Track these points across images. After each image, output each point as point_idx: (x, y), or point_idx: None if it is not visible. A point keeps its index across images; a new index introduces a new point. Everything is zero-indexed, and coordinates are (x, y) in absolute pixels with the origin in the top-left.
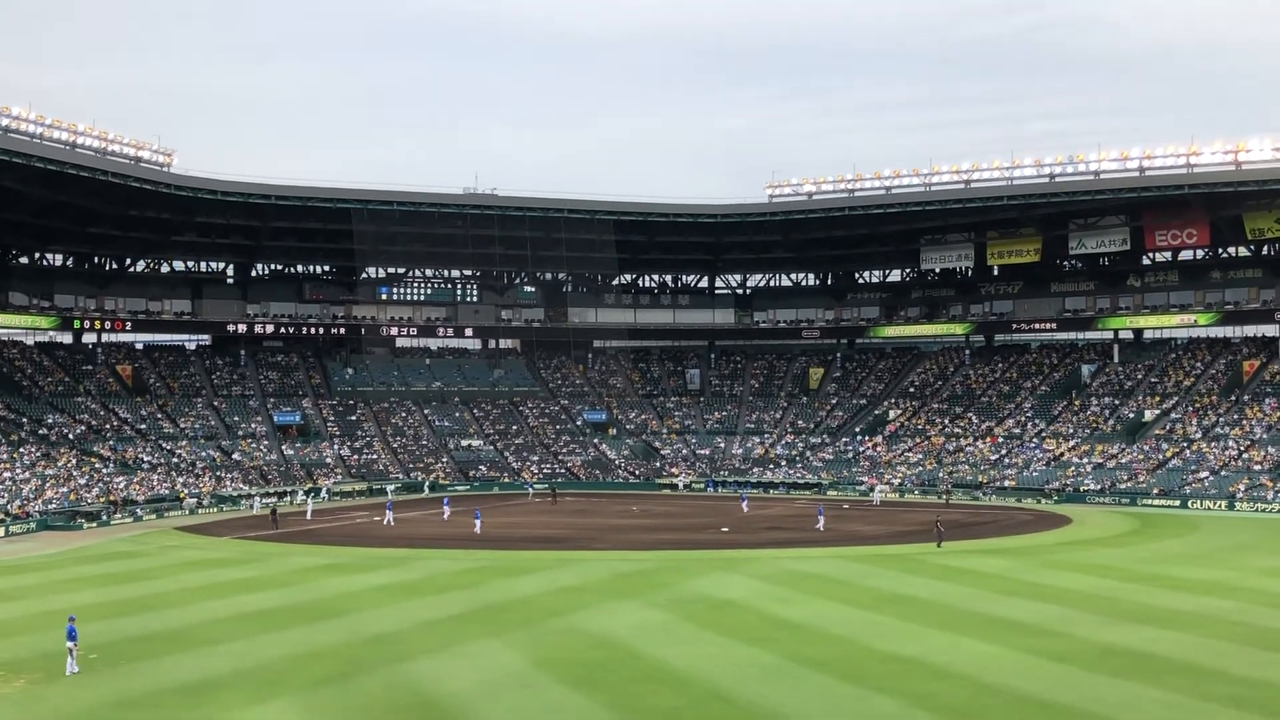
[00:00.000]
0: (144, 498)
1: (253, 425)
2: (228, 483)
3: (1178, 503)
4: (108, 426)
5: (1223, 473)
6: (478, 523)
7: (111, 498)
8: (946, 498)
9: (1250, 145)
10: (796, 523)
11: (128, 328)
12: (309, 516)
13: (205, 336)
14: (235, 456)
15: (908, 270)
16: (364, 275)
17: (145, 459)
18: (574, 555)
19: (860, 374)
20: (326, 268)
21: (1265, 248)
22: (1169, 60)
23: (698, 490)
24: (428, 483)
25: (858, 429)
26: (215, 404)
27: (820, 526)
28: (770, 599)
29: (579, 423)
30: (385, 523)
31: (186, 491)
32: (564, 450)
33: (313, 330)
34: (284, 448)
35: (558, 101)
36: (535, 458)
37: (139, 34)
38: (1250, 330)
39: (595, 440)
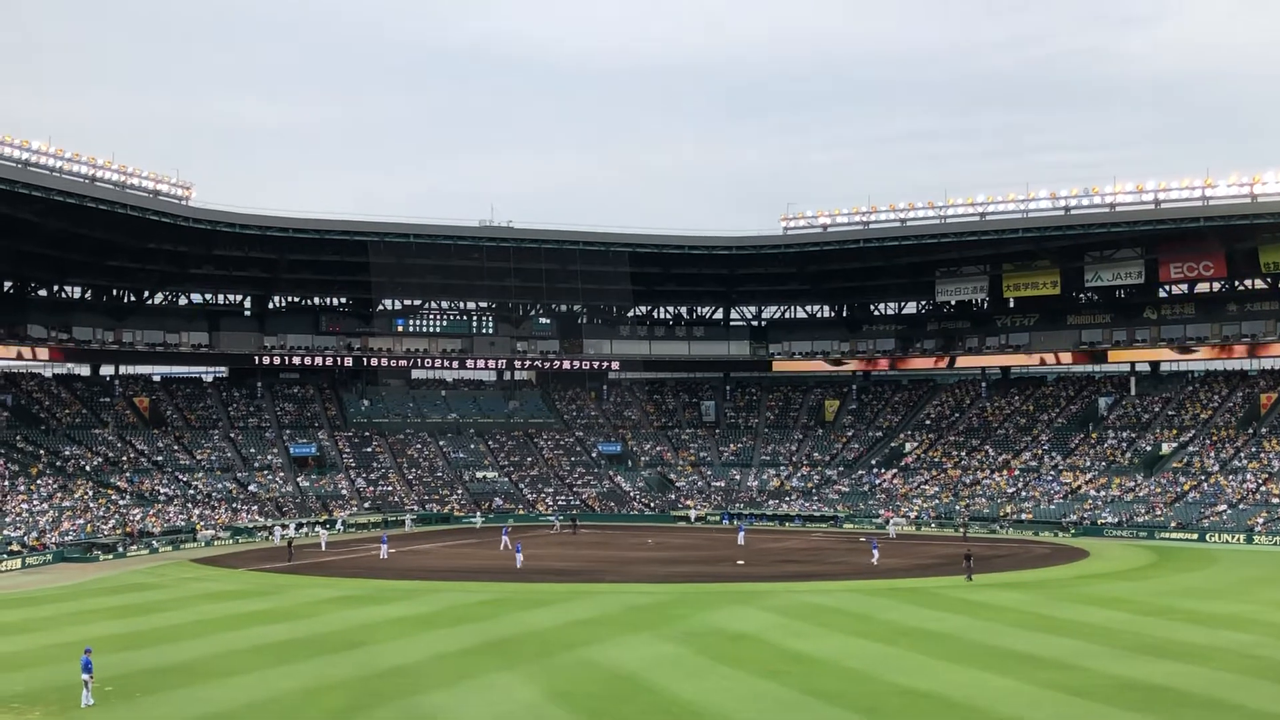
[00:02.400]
0: (160, 529)
1: (269, 457)
2: (243, 515)
3: (1195, 536)
4: (124, 458)
5: (1241, 506)
6: (519, 555)
7: (128, 530)
8: (964, 531)
9: (1266, 178)
10: (811, 556)
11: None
12: (323, 548)
13: (222, 368)
14: (251, 488)
15: (923, 302)
16: (380, 307)
17: (162, 491)
18: (588, 588)
19: (876, 406)
20: (343, 300)
21: None
22: (1183, 92)
23: (713, 523)
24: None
25: (874, 461)
26: (231, 436)
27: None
28: (785, 632)
29: (594, 454)
30: (380, 556)
31: (202, 523)
32: (579, 482)
33: (329, 362)
34: (300, 479)
35: (573, 134)
36: (550, 489)
37: (160, 68)
38: (1268, 363)
39: (610, 472)
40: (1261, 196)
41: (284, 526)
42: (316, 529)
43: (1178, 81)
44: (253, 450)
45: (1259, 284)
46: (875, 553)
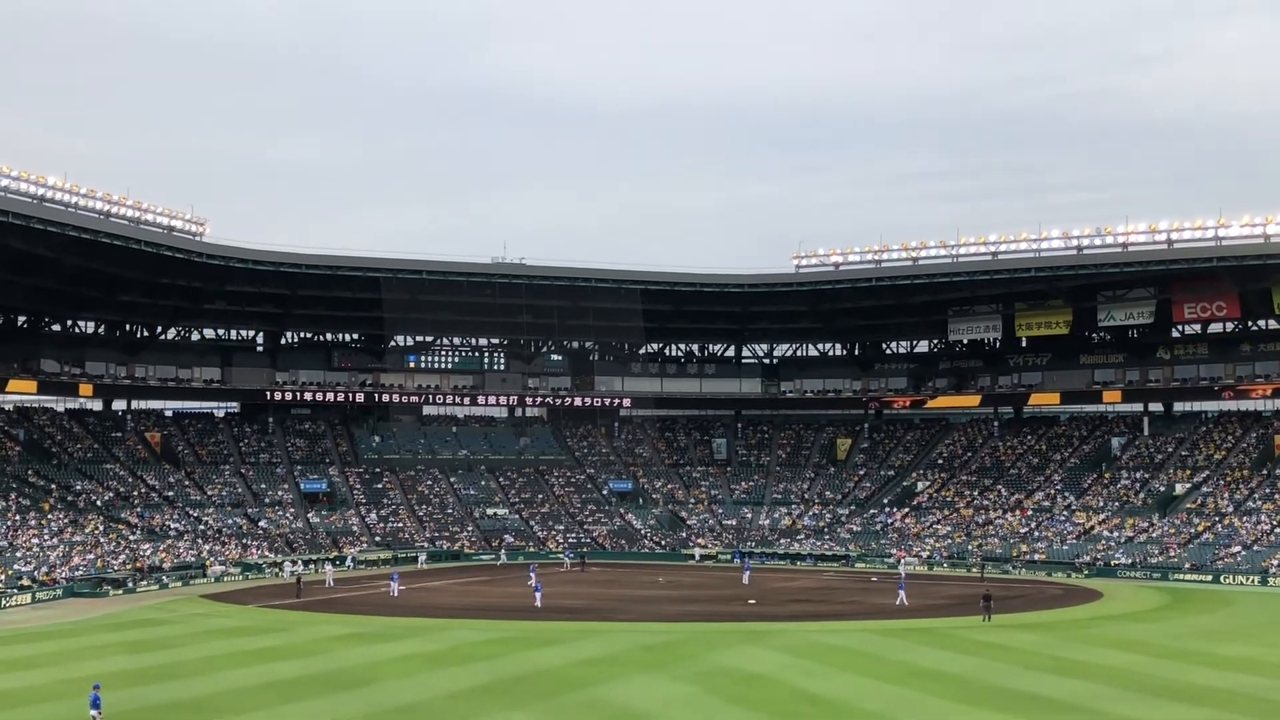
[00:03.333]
0: (170, 565)
1: (279, 492)
2: (254, 550)
3: (1210, 577)
4: (135, 493)
5: (1255, 547)
6: (538, 594)
7: (138, 565)
8: (982, 571)
9: (1278, 218)
10: (823, 595)
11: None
12: (330, 584)
13: (234, 404)
14: (262, 524)
15: (935, 341)
16: (392, 343)
17: (172, 526)
18: (599, 626)
19: (888, 445)
20: (355, 336)
21: None
22: (1195, 132)
23: (724, 561)
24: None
25: (886, 500)
26: (242, 471)
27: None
28: (798, 673)
29: (605, 492)
30: (390, 593)
31: (212, 559)
32: (589, 519)
33: (340, 397)
34: (310, 515)
35: (585, 171)
36: (561, 526)
37: (175, 104)
38: None
39: (621, 509)
40: (1274, 237)
41: (293, 563)
42: (325, 565)
43: (1190, 121)
44: (263, 486)
45: (1272, 324)
46: (901, 593)
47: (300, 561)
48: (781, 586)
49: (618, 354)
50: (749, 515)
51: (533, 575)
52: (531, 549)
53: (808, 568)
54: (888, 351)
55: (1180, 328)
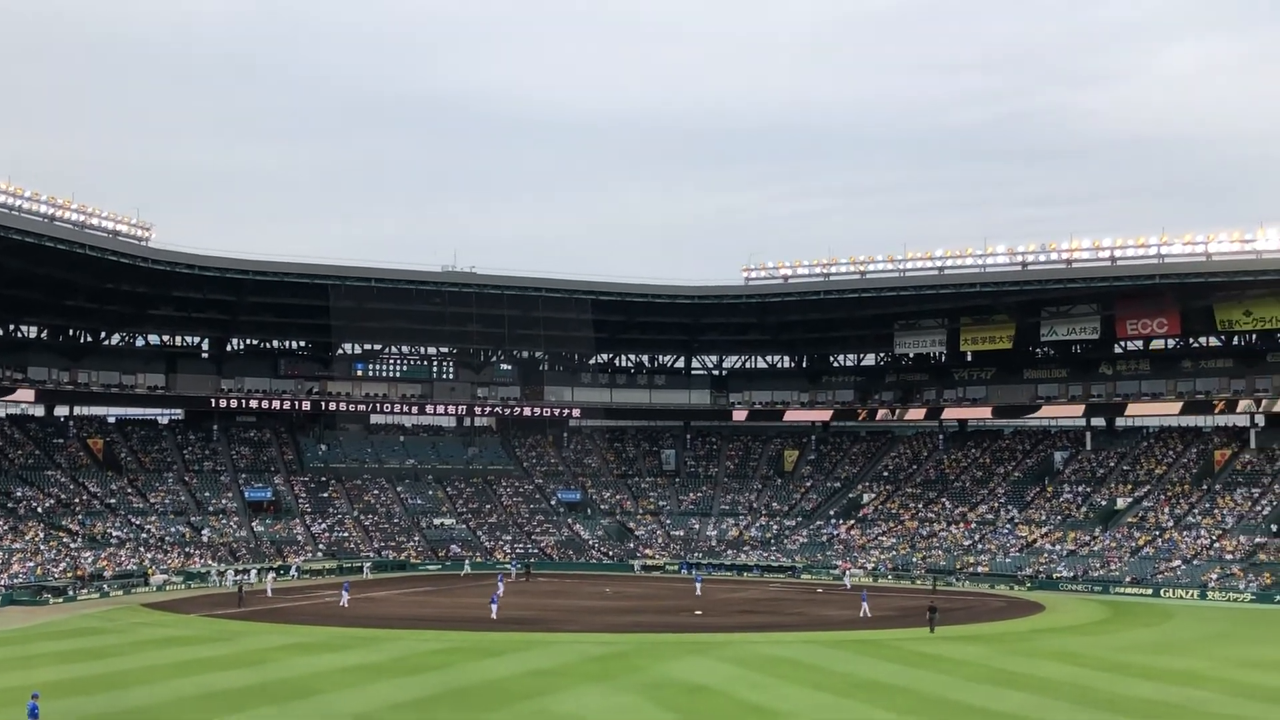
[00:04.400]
0: (112, 573)
1: (223, 501)
2: (197, 559)
3: (1150, 591)
4: (77, 501)
5: (1195, 561)
6: (494, 606)
7: (79, 573)
8: (934, 584)
9: (1220, 237)
10: (770, 606)
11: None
12: (269, 594)
13: (178, 411)
14: (205, 533)
15: (882, 354)
16: (340, 351)
17: (114, 534)
18: (545, 637)
19: (835, 457)
20: (302, 343)
21: (1235, 339)
22: (1141, 151)
23: (671, 572)
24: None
25: (832, 512)
26: (186, 479)
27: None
28: (743, 684)
29: (553, 502)
30: (341, 603)
31: (155, 568)
32: (537, 530)
33: (286, 406)
34: (254, 524)
35: (536, 181)
36: (508, 537)
37: (123, 109)
38: (1221, 420)
39: (569, 520)
40: (1216, 255)
41: (239, 572)
42: (267, 574)
43: (1136, 141)
44: (207, 494)
45: (1213, 341)
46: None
47: (256, 570)
48: (728, 598)
49: (568, 364)
50: (696, 526)
51: (501, 585)
52: (479, 559)
53: (754, 579)
54: (835, 364)
55: (1123, 344)
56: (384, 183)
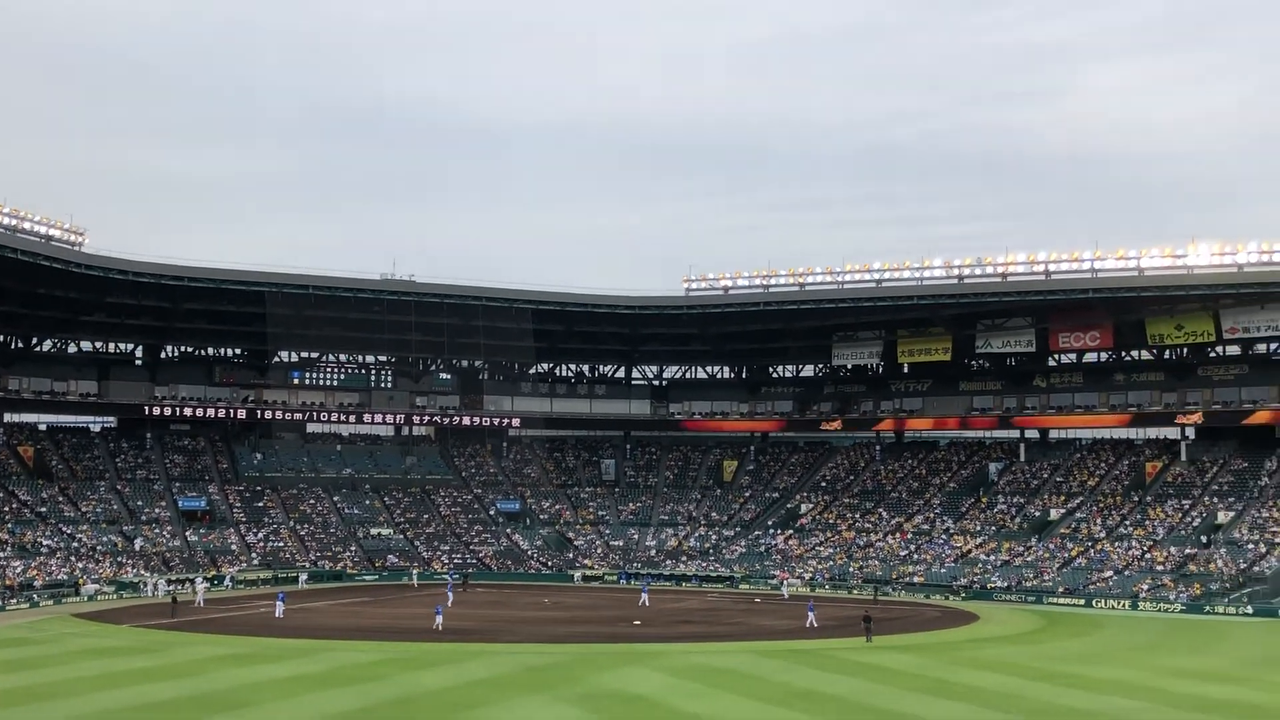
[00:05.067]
0: (42, 583)
1: (157, 510)
2: (129, 569)
3: (1082, 601)
4: (6, 509)
5: (1126, 572)
6: (439, 617)
7: (8, 582)
8: (875, 593)
9: (1152, 252)
10: (708, 616)
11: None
12: (199, 604)
13: (111, 419)
14: (137, 542)
15: (821, 366)
16: (276, 359)
17: (44, 543)
18: (483, 648)
19: (773, 467)
20: (238, 351)
21: (1167, 352)
22: (1076, 167)
23: (610, 582)
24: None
25: (770, 522)
26: (119, 488)
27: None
28: (681, 694)
29: (492, 512)
30: (276, 614)
31: (86, 577)
32: (476, 540)
33: (222, 414)
34: (188, 534)
35: (477, 191)
36: (446, 547)
37: (59, 113)
38: (1152, 432)
39: (508, 530)
40: (1148, 270)
41: (168, 581)
42: (198, 584)
43: (1070, 158)
44: (140, 503)
45: (1145, 355)
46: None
47: (163, 580)
48: (666, 608)
49: (507, 373)
50: (636, 536)
51: (450, 594)
52: (416, 569)
53: (693, 589)
54: (775, 375)
55: (1057, 357)
56: (323, 191)
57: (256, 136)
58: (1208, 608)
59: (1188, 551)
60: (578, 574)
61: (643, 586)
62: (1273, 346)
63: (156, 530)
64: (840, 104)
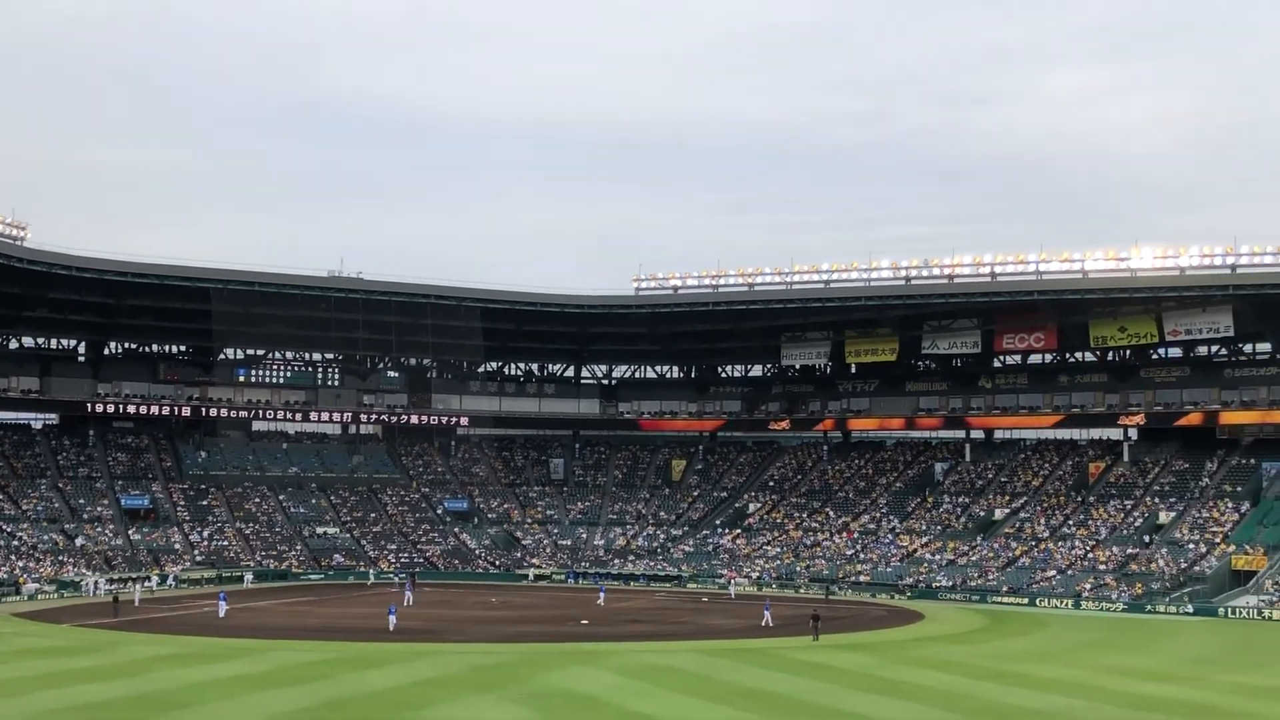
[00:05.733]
0: None
1: (99, 508)
2: (70, 568)
3: (1026, 600)
4: None
5: (1070, 571)
6: (392, 618)
7: None
8: (827, 592)
9: (1097, 255)
10: (655, 615)
11: None
12: (136, 603)
13: (53, 416)
14: (79, 541)
15: (769, 366)
16: (221, 356)
17: None
18: (430, 647)
19: (722, 466)
20: (183, 348)
21: (1110, 354)
22: (1023, 171)
23: (559, 581)
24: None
25: (718, 521)
26: (60, 486)
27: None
28: (629, 693)
29: (439, 511)
30: (218, 614)
31: (26, 576)
32: (423, 539)
33: (166, 411)
34: (131, 532)
35: (425, 189)
36: (393, 546)
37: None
38: (1096, 433)
39: (456, 529)
40: (1092, 273)
41: (109, 581)
42: (133, 584)
43: (1017, 162)
44: (82, 501)
45: (1089, 357)
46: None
47: (101, 579)
48: (614, 607)
49: (456, 372)
50: (584, 535)
51: (409, 594)
52: (362, 568)
53: (640, 588)
54: (723, 375)
55: (1002, 358)
56: (270, 187)
57: (203, 133)
58: (1149, 607)
59: (1130, 551)
60: (531, 573)
61: (600, 586)
62: (1214, 349)
63: (98, 529)
64: (792, 105)
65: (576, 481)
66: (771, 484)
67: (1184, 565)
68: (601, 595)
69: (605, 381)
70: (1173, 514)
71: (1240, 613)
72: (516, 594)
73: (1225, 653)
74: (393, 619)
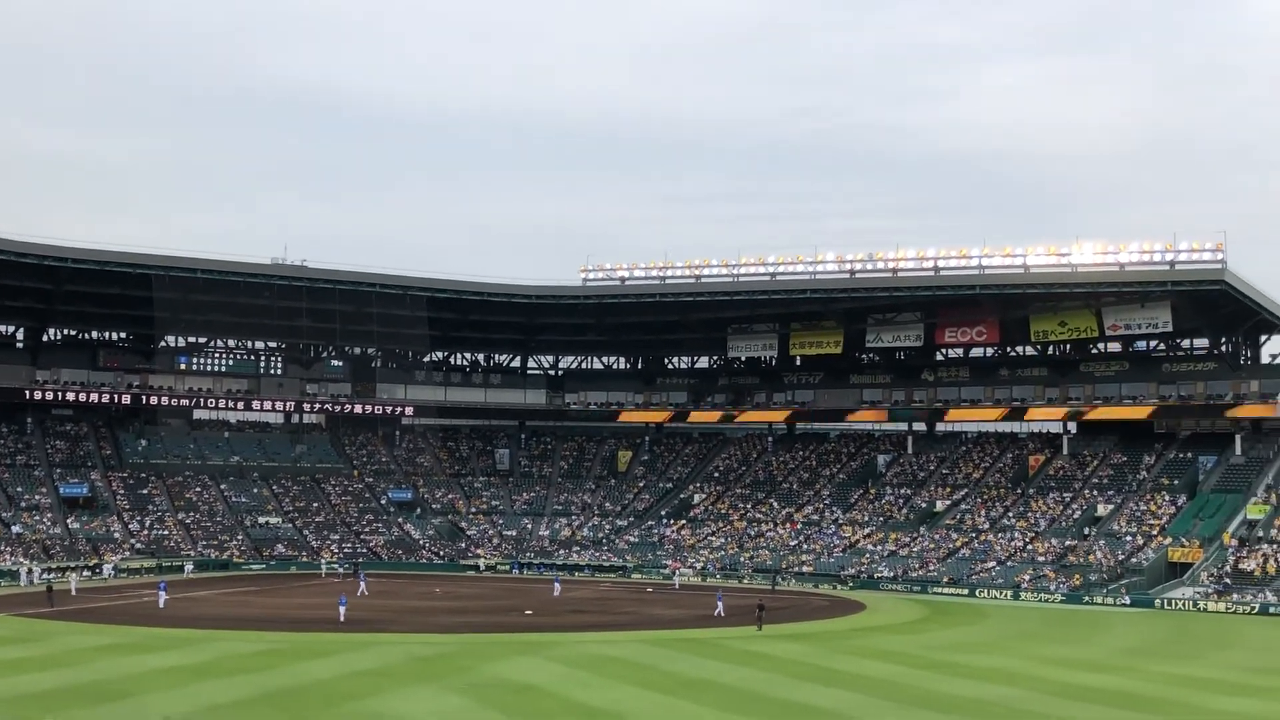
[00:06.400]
0: None
1: (37, 497)
2: (7, 556)
3: (966, 591)
4: None
5: (1009, 563)
6: (342, 609)
7: None
8: (774, 582)
9: (1038, 250)
10: (600, 606)
11: None
12: (73, 593)
13: None
14: (15, 529)
15: (715, 358)
16: (163, 343)
17: None
18: (372, 638)
19: (668, 458)
20: (123, 334)
21: (1050, 348)
22: (965, 167)
23: (503, 572)
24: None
25: (663, 512)
26: None
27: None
28: (572, 683)
29: (383, 501)
30: (158, 604)
31: None
32: (367, 529)
33: (105, 399)
34: (70, 521)
35: (370, 178)
36: (336, 536)
37: None
38: (1035, 426)
39: (400, 519)
40: (1033, 268)
41: (50, 571)
42: (70, 573)
43: (961, 157)
44: (19, 489)
45: (1029, 351)
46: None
47: (37, 568)
48: (559, 597)
49: (401, 361)
50: (529, 526)
51: (363, 582)
52: (305, 559)
53: (586, 578)
54: (670, 366)
55: (944, 352)
56: (213, 176)
57: (143, 120)
58: (1086, 598)
59: (1068, 543)
60: (481, 563)
61: (555, 578)
62: (1153, 344)
63: (36, 517)
64: (740, 99)
65: (522, 472)
66: (717, 475)
67: (1121, 557)
68: (557, 586)
69: (552, 372)
70: (1111, 507)
71: (1176, 604)
72: (461, 584)
73: (1160, 644)
74: (343, 610)
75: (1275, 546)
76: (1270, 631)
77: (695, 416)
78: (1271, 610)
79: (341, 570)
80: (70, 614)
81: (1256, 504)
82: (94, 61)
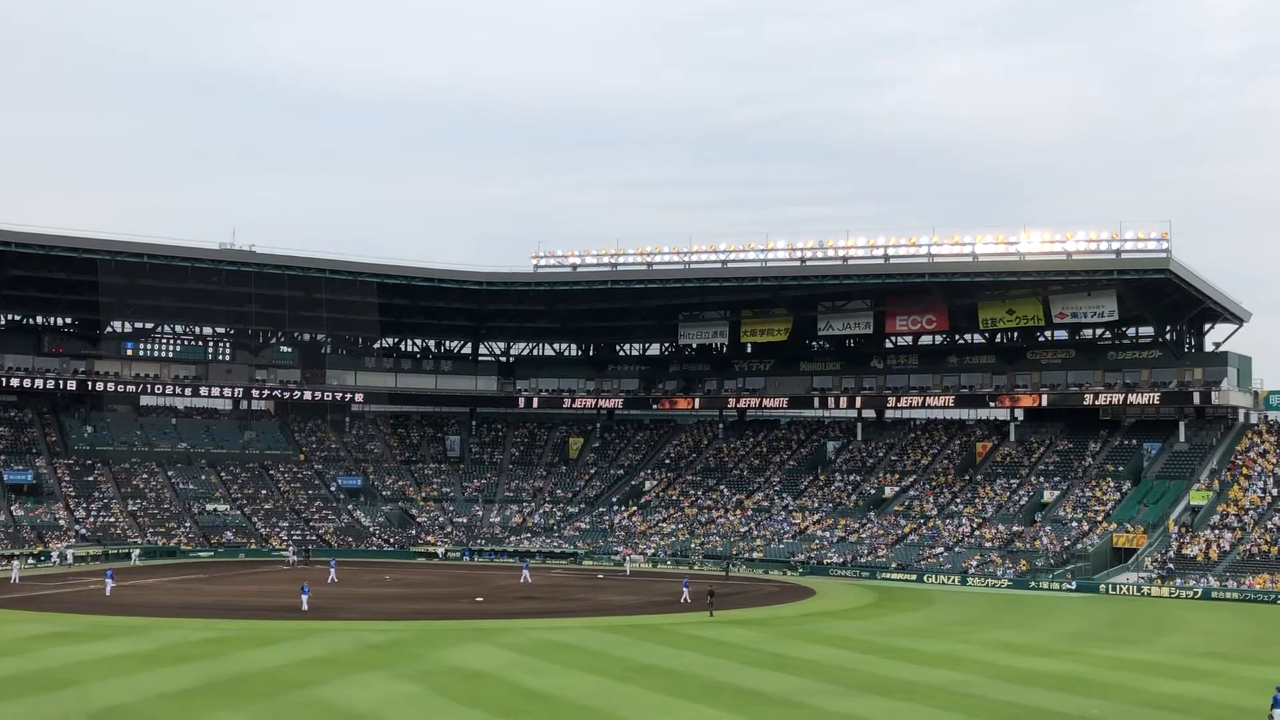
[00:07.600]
0: None
1: None
2: None
3: (914, 577)
4: None
5: (956, 549)
6: (304, 598)
7: None
8: (726, 569)
9: (986, 238)
10: (551, 592)
11: None
12: (15, 581)
13: None
14: None
15: (667, 345)
16: (109, 329)
17: None
18: (321, 625)
19: (619, 445)
20: (69, 320)
21: (998, 336)
22: (917, 154)
23: (454, 559)
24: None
25: (614, 499)
26: None
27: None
28: (522, 670)
29: (333, 488)
30: (104, 591)
31: None
32: (316, 516)
33: (50, 385)
34: (14, 508)
35: (323, 163)
36: (286, 523)
37: None
38: (983, 413)
39: (350, 506)
40: (982, 256)
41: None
42: (13, 561)
43: (910, 145)
44: None
45: (978, 339)
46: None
47: (71, 554)
48: (509, 584)
49: (351, 347)
50: (480, 513)
51: (332, 570)
52: (253, 546)
53: (537, 565)
54: (621, 353)
55: (893, 339)
56: (161, 159)
57: (80, 100)
58: (1033, 583)
59: (1015, 529)
60: (441, 549)
61: (524, 564)
62: (1099, 332)
63: None
64: (691, 86)
65: (473, 459)
66: (668, 462)
67: (1067, 543)
68: (526, 573)
69: (503, 359)
70: (1057, 493)
71: (1120, 589)
72: (411, 571)
73: (1104, 628)
74: (305, 598)
75: (1218, 532)
76: (1212, 616)
77: (646, 403)
78: (1214, 595)
79: (294, 558)
80: (13, 602)
81: (1200, 490)
82: (31, 40)
